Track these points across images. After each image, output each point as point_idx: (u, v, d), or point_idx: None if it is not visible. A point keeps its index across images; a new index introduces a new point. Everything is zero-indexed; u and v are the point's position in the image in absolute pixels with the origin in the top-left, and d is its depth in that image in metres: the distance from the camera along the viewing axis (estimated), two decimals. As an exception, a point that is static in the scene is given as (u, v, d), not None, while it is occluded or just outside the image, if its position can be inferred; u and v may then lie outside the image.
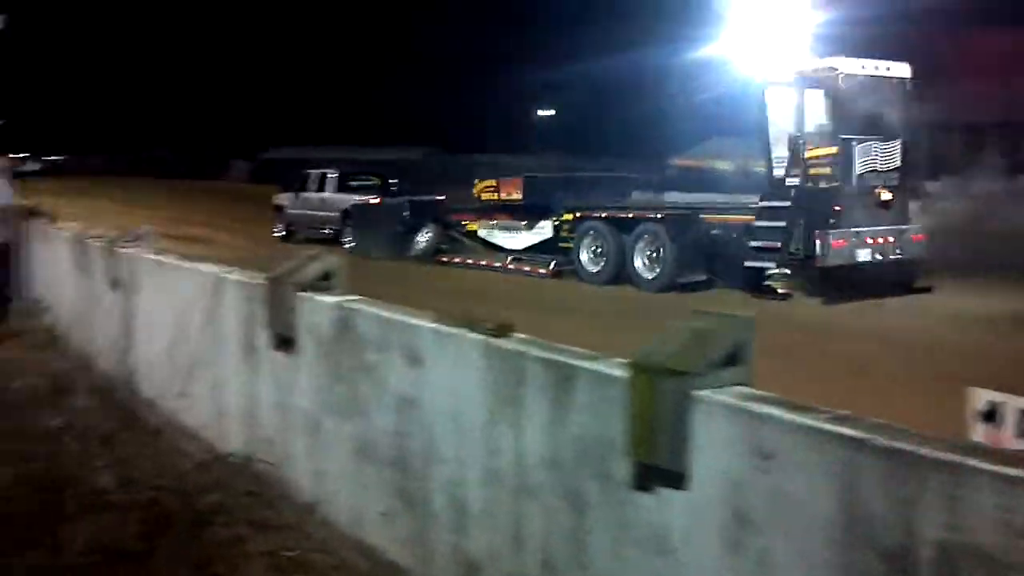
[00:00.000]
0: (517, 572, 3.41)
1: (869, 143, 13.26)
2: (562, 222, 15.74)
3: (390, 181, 22.56)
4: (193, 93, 60.14)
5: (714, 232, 13.94)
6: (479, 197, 18.32)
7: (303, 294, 4.75)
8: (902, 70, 13.66)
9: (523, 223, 16.75)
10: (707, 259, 13.82)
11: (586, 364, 3.10)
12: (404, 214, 18.08)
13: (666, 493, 2.77)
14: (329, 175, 22.12)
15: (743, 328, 2.76)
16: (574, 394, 3.11)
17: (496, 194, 17.80)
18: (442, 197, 19.34)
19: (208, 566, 4.35)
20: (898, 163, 13.51)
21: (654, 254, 13.95)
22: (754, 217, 13.34)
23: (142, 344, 6.49)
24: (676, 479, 2.71)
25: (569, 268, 15.19)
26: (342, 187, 21.65)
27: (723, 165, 16.44)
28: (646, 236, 14.04)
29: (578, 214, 15.32)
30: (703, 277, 13.75)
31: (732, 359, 2.70)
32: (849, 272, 12.73)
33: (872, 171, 13.32)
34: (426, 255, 17.46)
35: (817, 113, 13.26)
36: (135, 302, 6.66)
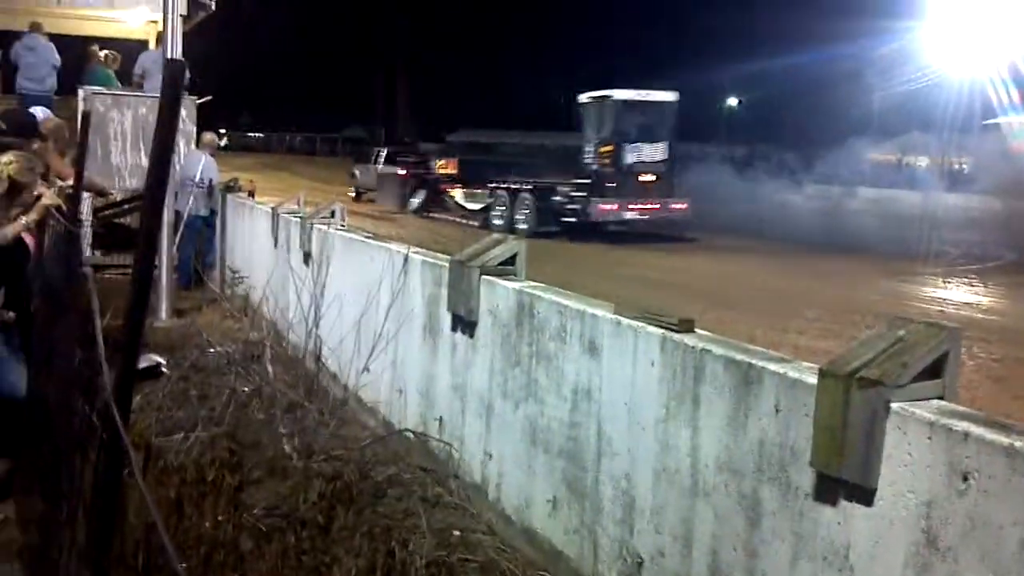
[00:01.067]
0: (683, 573, 3.33)
1: (637, 144, 20.36)
2: (490, 191, 22.39)
3: (425, 158, 28.00)
4: (388, 74, 61.96)
5: (556, 199, 20.63)
6: (441, 172, 25.59)
7: (486, 277, 4.80)
8: (669, 96, 21.02)
9: (479, 191, 23.09)
10: (555, 216, 20.40)
11: (772, 366, 2.97)
12: (409, 182, 25.98)
13: (851, 508, 2.62)
14: (381, 152, 30.31)
15: (949, 339, 2.58)
16: (757, 397, 2.99)
17: (445, 170, 25.43)
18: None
19: (382, 538, 4.46)
20: (664, 157, 20.63)
21: (527, 212, 20.93)
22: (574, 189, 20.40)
23: (330, 318, 6.73)
24: (863, 494, 2.56)
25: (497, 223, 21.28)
26: (388, 161, 28.84)
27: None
28: (524, 201, 21.10)
29: (491, 186, 22.30)
30: (555, 228, 20.00)
31: (934, 371, 2.53)
32: (617, 225, 20.26)
33: (640, 162, 20.34)
34: (418, 211, 24.95)
35: (605, 124, 20.51)
36: (325, 276, 6.91)
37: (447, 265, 5.13)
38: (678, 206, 20.43)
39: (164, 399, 6.08)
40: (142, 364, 6.99)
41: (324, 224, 7.52)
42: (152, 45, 14.62)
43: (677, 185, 21.20)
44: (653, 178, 20.35)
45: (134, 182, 12.98)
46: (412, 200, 25.39)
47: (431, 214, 24.56)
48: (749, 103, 49.76)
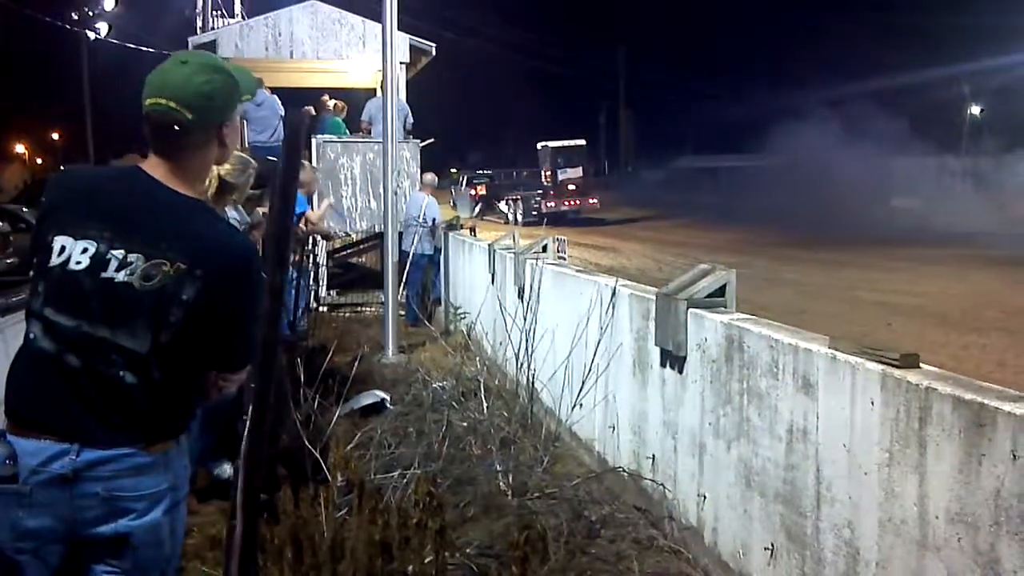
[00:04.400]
0: (916, 635, 3.01)
1: (565, 167, 36.38)
2: (505, 201, 37.98)
3: (493, 178, 43.57)
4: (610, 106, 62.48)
5: (531, 203, 35.65)
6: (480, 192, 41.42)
7: (694, 310, 4.61)
8: (580, 141, 38.38)
9: (501, 202, 38.65)
10: (530, 212, 34.78)
11: (1007, 407, 2.63)
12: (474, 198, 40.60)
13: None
14: (464, 176, 44.69)
15: None
16: (991, 441, 2.66)
17: (480, 187, 41.54)
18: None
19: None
20: (581, 174, 36.86)
21: (520, 210, 35.81)
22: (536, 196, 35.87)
23: (542, 352, 6.72)
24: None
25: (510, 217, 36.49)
26: (468, 185, 42.53)
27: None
28: (518, 204, 36.05)
29: (505, 198, 38.31)
30: (533, 218, 33.28)
31: None
32: (559, 215, 34.04)
33: (567, 178, 36.37)
34: (476, 215, 37.24)
35: (547, 159, 37.32)
36: (538, 311, 6.91)
37: (654, 298, 4.98)
38: (592, 201, 36.51)
39: (384, 435, 6.23)
40: (367, 400, 7.25)
41: (535, 258, 7.54)
42: (378, 92, 15.39)
43: (591, 190, 37.21)
44: (575, 187, 36.30)
45: (364, 224, 13.64)
46: (475, 208, 39.30)
47: (485, 216, 37.82)
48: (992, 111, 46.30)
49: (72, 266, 2.29)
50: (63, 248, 2.31)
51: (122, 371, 2.29)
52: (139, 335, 2.28)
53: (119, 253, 2.29)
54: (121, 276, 2.28)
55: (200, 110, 2.36)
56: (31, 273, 2.40)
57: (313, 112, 13.77)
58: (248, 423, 2.39)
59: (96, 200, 2.36)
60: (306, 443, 5.22)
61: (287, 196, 2.46)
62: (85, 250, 2.30)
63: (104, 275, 2.28)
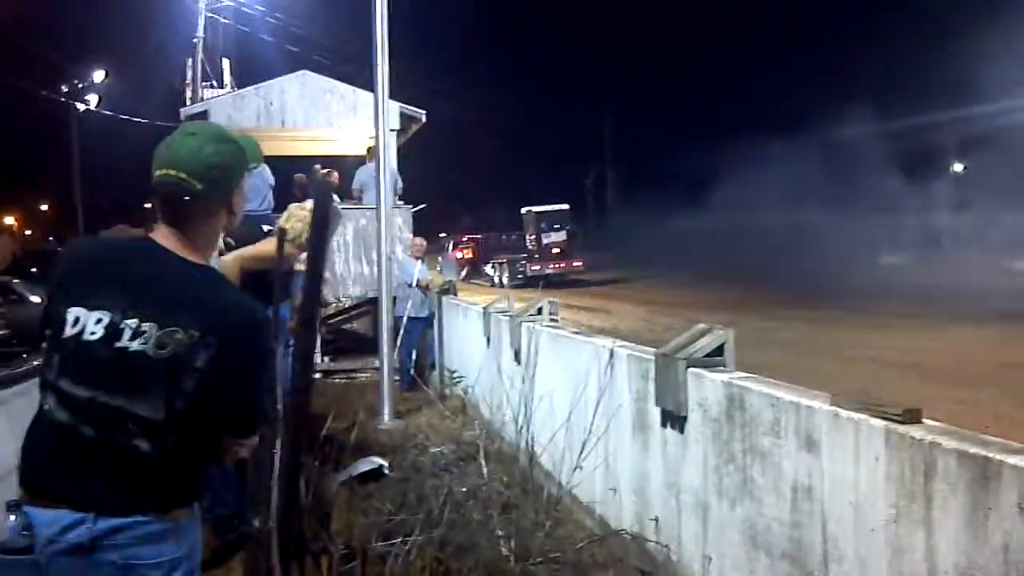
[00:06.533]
0: None
1: (549, 231, 37.18)
2: (492, 264, 39.45)
3: (480, 242, 44.45)
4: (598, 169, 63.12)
5: (516, 266, 37.05)
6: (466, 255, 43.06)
7: (693, 370, 4.64)
8: (564, 205, 38.77)
9: (488, 265, 40.32)
10: (516, 275, 36.43)
11: (1012, 459, 2.66)
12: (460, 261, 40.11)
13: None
14: (451, 240, 46.02)
15: None
16: (996, 494, 2.68)
17: (467, 251, 43.51)
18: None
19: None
20: (565, 238, 37.24)
21: (506, 274, 37.27)
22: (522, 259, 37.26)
23: (541, 415, 6.72)
24: None
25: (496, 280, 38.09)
26: (455, 247, 43.69)
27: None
28: (504, 267, 37.67)
29: (492, 261, 39.82)
30: (520, 281, 35.32)
31: None
32: (545, 278, 32.45)
33: (552, 241, 37.08)
34: (464, 279, 36.96)
35: (531, 223, 38.09)
36: (535, 373, 6.93)
37: (653, 358, 5.01)
38: (577, 264, 37.22)
39: (383, 502, 6.20)
40: (365, 467, 7.22)
41: (532, 321, 7.57)
42: (368, 160, 15.55)
43: (576, 253, 37.71)
44: (559, 250, 37.06)
45: (357, 290, 13.68)
46: (462, 272, 38.20)
47: (471, 280, 39.27)
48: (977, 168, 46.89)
49: (86, 337, 2.32)
50: (77, 319, 2.34)
51: (137, 439, 2.30)
52: (154, 403, 2.30)
53: (132, 322, 2.31)
54: (135, 345, 2.30)
55: (210, 180, 2.41)
56: (44, 345, 2.42)
57: (305, 180, 13.93)
58: (279, 487, 2.41)
59: (109, 271, 2.40)
60: (305, 511, 5.19)
61: (317, 262, 2.50)
62: (99, 320, 2.32)
63: (118, 344, 2.31)
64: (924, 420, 3.17)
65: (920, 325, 17.52)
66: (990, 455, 2.73)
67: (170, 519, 2.35)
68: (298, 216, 4.92)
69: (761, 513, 4.01)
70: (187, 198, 2.40)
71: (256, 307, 2.50)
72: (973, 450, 2.80)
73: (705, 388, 4.50)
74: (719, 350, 4.72)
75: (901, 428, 3.12)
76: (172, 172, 2.39)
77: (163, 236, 2.44)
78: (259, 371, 2.49)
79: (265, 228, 9.50)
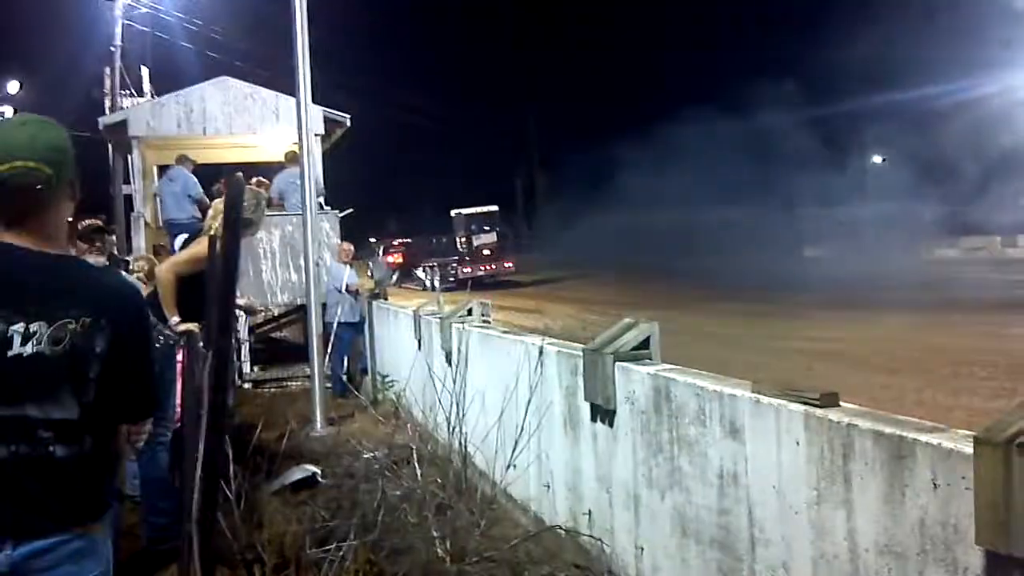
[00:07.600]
0: (855, 669, 3.07)
1: (479, 233, 38.69)
2: (423, 267, 40.63)
3: (410, 246, 45.98)
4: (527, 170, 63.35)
5: (447, 268, 37.98)
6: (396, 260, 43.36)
7: (620, 364, 4.68)
8: (493, 207, 40.67)
9: (418, 268, 41.40)
10: (447, 278, 36.78)
11: (923, 438, 2.74)
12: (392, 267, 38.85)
13: (1029, 590, 2.36)
14: (381, 245, 45.16)
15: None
16: (912, 472, 2.76)
17: (397, 258, 43.19)
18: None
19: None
20: (495, 239, 39.04)
21: (437, 277, 38.13)
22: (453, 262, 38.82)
23: (473, 415, 6.72)
24: (1041, 574, 2.31)
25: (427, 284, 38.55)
26: (384, 252, 41.67)
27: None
28: (435, 271, 38.93)
29: (422, 264, 41.23)
30: (451, 284, 35.18)
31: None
32: (476, 280, 33.34)
33: (482, 243, 38.62)
34: (396, 283, 36.68)
35: (460, 225, 39.74)
36: (466, 374, 6.93)
37: (581, 354, 5.05)
38: (508, 265, 38.53)
39: (317, 509, 6.14)
40: (298, 475, 7.15)
41: (462, 322, 7.58)
42: (287, 167, 15.37)
43: (506, 254, 39.33)
44: (490, 252, 38.19)
45: (285, 297, 13.53)
46: (393, 276, 36.63)
47: (402, 284, 39.60)
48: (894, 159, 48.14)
49: None
50: None
51: (52, 446, 2.24)
52: (65, 402, 2.25)
53: (19, 327, 2.23)
54: (29, 349, 2.23)
55: (57, 164, 2.33)
56: None
57: (224, 190, 13.67)
58: (198, 489, 2.38)
59: None
60: (238, 522, 5.12)
61: (230, 261, 2.48)
62: None
63: (11, 353, 2.22)
64: (841, 403, 3.25)
65: (845, 315, 17.94)
66: (904, 434, 2.81)
67: (89, 536, 2.31)
68: (220, 210, 4.89)
69: (690, 502, 4.07)
70: (39, 187, 2.29)
71: (131, 283, 2.45)
72: (888, 430, 2.88)
73: (633, 381, 4.55)
74: (645, 343, 4.78)
75: (819, 412, 3.19)
76: (19, 163, 2.27)
77: (13, 236, 2.32)
78: (147, 349, 2.50)
79: (183, 237, 9.41)
